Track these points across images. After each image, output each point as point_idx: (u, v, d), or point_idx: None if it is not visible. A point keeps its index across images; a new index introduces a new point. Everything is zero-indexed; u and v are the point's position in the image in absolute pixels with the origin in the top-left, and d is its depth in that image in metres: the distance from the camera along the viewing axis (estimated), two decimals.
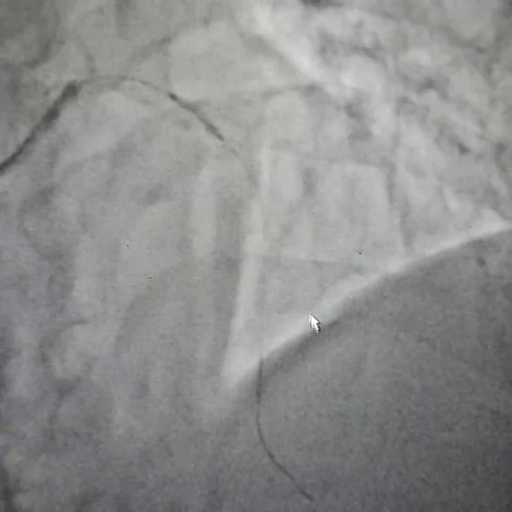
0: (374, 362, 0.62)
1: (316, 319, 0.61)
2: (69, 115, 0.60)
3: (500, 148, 0.62)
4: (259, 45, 0.61)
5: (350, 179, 0.62)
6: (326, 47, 0.61)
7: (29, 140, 0.60)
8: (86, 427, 0.61)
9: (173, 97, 0.60)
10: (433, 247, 0.62)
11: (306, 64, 0.61)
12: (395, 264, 0.62)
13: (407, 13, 0.62)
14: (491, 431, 0.62)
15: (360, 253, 0.62)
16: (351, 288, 0.62)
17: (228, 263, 0.61)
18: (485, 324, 0.62)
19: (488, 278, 0.62)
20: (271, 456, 0.61)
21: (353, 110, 0.61)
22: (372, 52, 0.61)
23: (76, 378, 0.61)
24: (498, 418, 0.62)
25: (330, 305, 0.62)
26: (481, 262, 0.62)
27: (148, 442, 0.61)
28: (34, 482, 0.61)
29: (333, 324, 0.62)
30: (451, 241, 0.62)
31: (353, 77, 0.62)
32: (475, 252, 0.62)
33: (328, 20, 0.61)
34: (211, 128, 0.61)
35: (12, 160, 0.60)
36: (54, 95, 0.60)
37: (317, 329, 0.60)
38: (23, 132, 0.60)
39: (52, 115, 0.60)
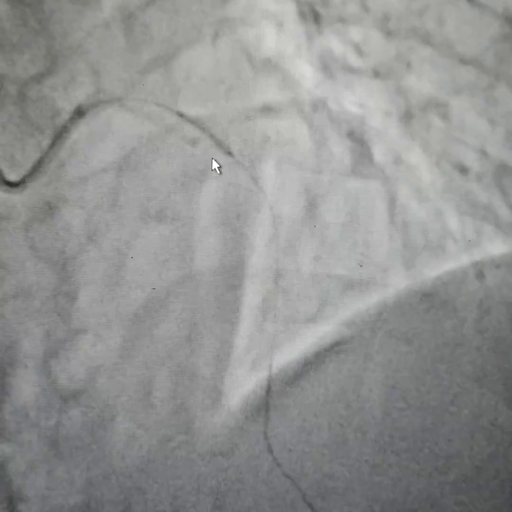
0: (373, 374, 0.63)
1: None
2: (76, 130, 0.61)
3: (501, 170, 0.63)
4: (264, 62, 0.62)
5: (352, 195, 0.63)
6: (329, 65, 0.62)
7: (38, 154, 0.61)
8: (89, 435, 0.62)
9: (178, 113, 0.61)
10: (433, 264, 0.63)
11: (310, 82, 0.62)
12: (396, 279, 0.63)
13: (410, 33, 0.63)
14: (489, 443, 0.63)
15: (361, 266, 0.63)
16: (352, 302, 0.63)
17: (231, 277, 0.62)
18: (484, 338, 0.63)
19: (487, 293, 0.63)
20: (278, 465, 0.62)
21: (355, 129, 0.62)
22: (375, 72, 0.63)
23: (80, 387, 0.62)
24: (496, 429, 0.63)
25: (331, 319, 0.63)
26: (481, 277, 0.63)
27: (150, 451, 0.62)
28: (37, 490, 0.62)
29: (335, 338, 0.63)
30: (451, 258, 0.63)
31: (356, 96, 0.63)
32: (475, 269, 0.63)
33: (331, 38, 0.63)
34: (219, 144, 0.62)
35: (23, 176, 0.61)
36: (63, 110, 0.61)
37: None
38: (32, 146, 0.61)
39: (60, 130, 0.61)
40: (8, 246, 0.61)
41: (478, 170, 0.62)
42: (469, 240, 0.63)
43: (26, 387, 0.61)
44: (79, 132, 0.61)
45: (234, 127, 0.62)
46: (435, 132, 0.62)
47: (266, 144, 0.62)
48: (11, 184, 0.61)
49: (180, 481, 0.62)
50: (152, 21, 0.62)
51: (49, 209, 0.61)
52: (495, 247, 0.64)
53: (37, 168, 0.61)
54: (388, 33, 0.62)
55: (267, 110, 0.62)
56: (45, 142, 0.61)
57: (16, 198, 0.61)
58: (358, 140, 0.62)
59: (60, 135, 0.61)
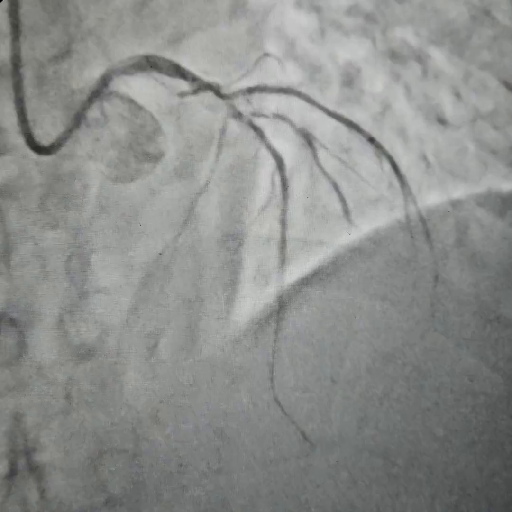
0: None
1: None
2: (91, 108, 0.66)
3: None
4: (264, 32, 0.68)
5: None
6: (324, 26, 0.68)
7: (55, 132, 0.66)
8: (100, 389, 0.66)
9: (193, 78, 0.66)
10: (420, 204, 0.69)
11: (307, 42, 0.68)
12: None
13: None
14: (472, 396, 0.68)
15: (349, 234, 0.68)
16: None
17: (233, 241, 0.68)
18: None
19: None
20: (278, 403, 0.67)
21: (347, 79, 0.68)
22: (364, 29, 0.68)
23: (92, 345, 0.66)
24: (475, 384, 0.68)
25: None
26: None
27: (157, 402, 0.67)
28: (52, 441, 0.66)
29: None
30: (432, 198, 0.69)
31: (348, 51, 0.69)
32: (454, 212, 0.69)
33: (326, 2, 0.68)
34: (232, 112, 0.67)
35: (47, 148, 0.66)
36: (77, 90, 0.66)
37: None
38: (49, 124, 0.66)
39: (76, 109, 0.66)
40: (26, 214, 0.66)
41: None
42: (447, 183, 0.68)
43: (41, 344, 0.65)
44: (94, 110, 0.66)
45: (230, 83, 0.67)
46: (417, 83, 0.68)
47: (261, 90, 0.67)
48: (40, 150, 0.66)
49: (185, 428, 0.67)
50: (160, 9, 0.67)
51: (64, 181, 0.66)
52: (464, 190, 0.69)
53: (54, 144, 0.66)
54: None
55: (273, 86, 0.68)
56: (62, 120, 0.66)
57: (34, 168, 0.66)
58: (349, 89, 0.68)
59: (76, 113, 0.66)
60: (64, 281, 0.66)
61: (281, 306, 0.68)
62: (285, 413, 0.67)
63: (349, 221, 0.68)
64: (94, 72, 0.66)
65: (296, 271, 0.68)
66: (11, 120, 0.65)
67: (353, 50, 0.68)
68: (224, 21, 0.67)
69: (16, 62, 0.65)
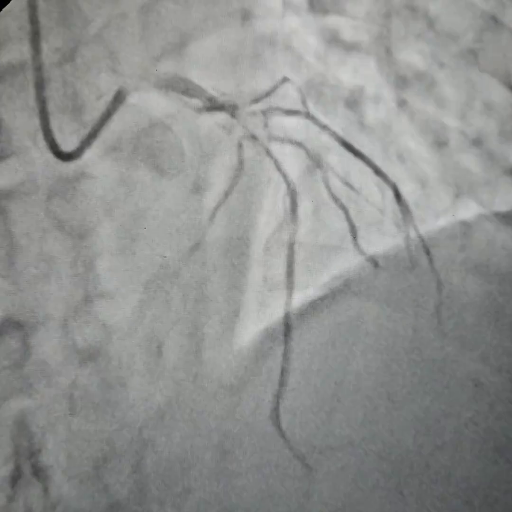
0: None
1: None
2: (95, 110, 0.67)
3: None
4: (270, 44, 0.68)
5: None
6: (330, 44, 0.68)
7: (60, 135, 0.66)
8: (104, 392, 0.66)
9: (208, 98, 0.67)
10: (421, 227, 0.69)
11: (312, 59, 0.68)
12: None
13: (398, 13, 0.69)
14: (475, 400, 0.68)
15: (354, 238, 0.68)
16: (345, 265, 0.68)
17: (238, 245, 0.68)
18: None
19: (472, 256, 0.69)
20: (279, 427, 0.68)
21: (350, 101, 0.68)
22: (369, 50, 0.68)
23: (96, 348, 0.67)
24: (479, 388, 0.68)
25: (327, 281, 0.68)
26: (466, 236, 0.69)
27: (161, 406, 0.67)
28: (56, 443, 0.66)
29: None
30: (438, 222, 0.69)
31: (352, 73, 0.69)
32: (461, 230, 0.69)
33: (333, 21, 0.68)
34: (233, 117, 0.67)
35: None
36: (82, 93, 0.66)
37: None
38: (54, 126, 0.66)
39: (79, 108, 0.66)
40: (31, 217, 0.66)
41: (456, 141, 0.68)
42: (451, 206, 0.69)
43: (46, 347, 0.66)
44: (98, 112, 0.67)
45: (244, 105, 0.67)
46: (419, 105, 0.68)
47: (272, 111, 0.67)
48: (64, 156, 0.66)
49: (188, 433, 0.67)
50: (165, 12, 0.67)
51: (69, 185, 0.67)
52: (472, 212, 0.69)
53: (76, 150, 0.66)
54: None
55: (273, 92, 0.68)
56: (66, 123, 0.66)
57: (39, 172, 0.66)
58: (353, 112, 0.68)
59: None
60: (68, 285, 0.66)
61: (287, 317, 0.68)
62: (285, 437, 0.68)
63: (356, 242, 0.68)
64: (102, 77, 0.66)
65: (303, 287, 0.68)
66: (19, 120, 0.65)
67: (358, 71, 0.68)
68: (231, 26, 0.67)
69: (37, 63, 0.65)
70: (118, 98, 0.66)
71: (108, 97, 0.66)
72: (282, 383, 0.67)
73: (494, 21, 0.70)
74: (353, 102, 0.68)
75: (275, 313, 0.68)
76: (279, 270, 0.68)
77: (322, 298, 0.68)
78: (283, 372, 0.68)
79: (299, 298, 0.69)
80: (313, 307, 0.68)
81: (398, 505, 0.67)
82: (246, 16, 0.68)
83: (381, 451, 0.68)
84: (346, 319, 0.69)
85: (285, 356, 0.67)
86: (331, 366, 0.68)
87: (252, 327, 0.68)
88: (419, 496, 0.67)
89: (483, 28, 0.70)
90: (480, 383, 0.68)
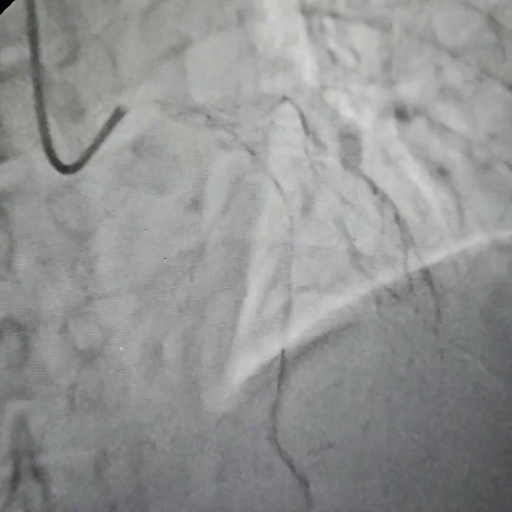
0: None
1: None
2: (96, 112, 0.67)
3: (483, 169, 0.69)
4: (270, 54, 0.68)
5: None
6: (327, 67, 0.68)
7: (60, 136, 0.66)
8: (104, 393, 0.66)
9: (189, 98, 0.67)
10: (426, 257, 0.69)
11: (309, 76, 0.68)
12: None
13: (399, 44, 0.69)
14: (475, 403, 0.68)
15: (353, 257, 0.69)
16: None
17: (238, 248, 0.68)
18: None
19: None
20: (276, 440, 0.67)
21: (346, 132, 0.69)
22: (368, 78, 0.69)
23: (96, 349, 0.67)
24: (481, 393, 0.68)
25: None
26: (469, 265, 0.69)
27: (160, 408, 0.67)
28: (56, 444, 0.66)
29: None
30: (444, 251, 0.69)
31: (349, 103, 0.69)
32: (465, 261, 0.69)
33: (330, 39, 0.68)
34: (228, 126, 0.67)
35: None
36: (84, 95, 0.67)
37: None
38: (55, 128, 0.66)
39: (80, 113, 0.67)
40: (32, 219, 0.66)
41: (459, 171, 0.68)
42: (457, 234, 0.69)
43: (46, 348, 0.66)
44: (98, 114, 0.67)
45: (241, 111, 0.67)
46: (420, 137, 0.68)
47: (271, 128, 0.67)
48: (62, 168, 0.66)
49: (187, 435, 0.67)
50: (165, 15, 0.68)
51: (69, 186, 0.67)
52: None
53: (76, 164, 0.66)
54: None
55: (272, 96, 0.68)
56: (67, 124, 0.66)
57: (40, 173, 0.66)
58: (350, 142, 0.68)
59: (80, 117, 0.67)
60: (68, 286, 0.66)
61: (287, 308, 0.68)
62: (283, 456, 0.68)
63: (356, 263, 0.68)
64: (102, 80, 0.66)
65: (301, 311, 0.68)
66: (19, 122, 0.65)
67: (357, 93, 0.68)
68: (231, 29, 0.67)
69: (36, 66, 0.65)
70: (117, 115, 0.66)
71: (107, 115, 0.66)
72: (281, 375, 0.67)
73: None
74: (352, 125, 0.68)
75: (273, 308, 0.68)
76: (279, 274, 0.68)
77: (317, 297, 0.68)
78: (283, 371, 0.68)
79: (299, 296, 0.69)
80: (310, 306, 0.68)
81: (399, 505, 0.67)
82: (244, 19, 0.68)
83: (380, 452, 0.67)
84: (343, 321, 0.69)
85: (283, 360, 0.67)
86: (327, 371, 0.68)
87: (247, 334, 0.68)
88: (419, 499, 0.67)
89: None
90: (480, 385, 0.68)
